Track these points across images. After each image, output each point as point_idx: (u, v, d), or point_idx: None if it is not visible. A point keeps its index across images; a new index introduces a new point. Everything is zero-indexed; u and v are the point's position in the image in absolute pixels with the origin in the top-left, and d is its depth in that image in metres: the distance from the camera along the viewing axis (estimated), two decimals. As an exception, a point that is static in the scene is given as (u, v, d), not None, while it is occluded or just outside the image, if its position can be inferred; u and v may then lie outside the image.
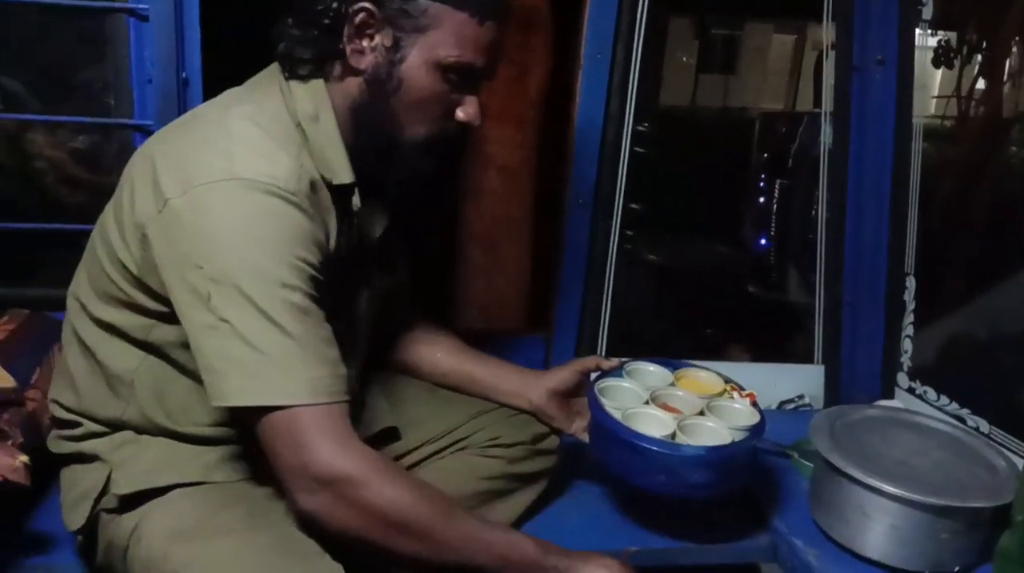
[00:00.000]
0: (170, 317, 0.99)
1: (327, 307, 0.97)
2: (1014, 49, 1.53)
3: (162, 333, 1.02)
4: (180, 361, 1.03)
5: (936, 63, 2.38)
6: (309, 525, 0.97)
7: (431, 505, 0.96)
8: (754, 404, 1.29)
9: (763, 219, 2.15)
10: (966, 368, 1.61)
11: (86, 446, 1.09)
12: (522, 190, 2.01)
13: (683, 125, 2.52)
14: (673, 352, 1.80)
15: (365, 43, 1.00)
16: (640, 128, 2.04)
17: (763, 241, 2.18)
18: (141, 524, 1.02)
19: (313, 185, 0.99)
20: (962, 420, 1.55)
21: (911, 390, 1.70)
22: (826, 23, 1.69)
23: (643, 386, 1.31)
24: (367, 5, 0.97)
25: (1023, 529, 0.97)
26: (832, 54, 1.68)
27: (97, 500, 1.06)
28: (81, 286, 1.08)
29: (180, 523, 1.00)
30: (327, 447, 0.91)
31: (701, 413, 1.26)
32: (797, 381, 1.82)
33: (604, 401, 1.25)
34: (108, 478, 1.06)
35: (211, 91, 1.45)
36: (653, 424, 1.22)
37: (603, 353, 1.77)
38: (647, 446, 1.17)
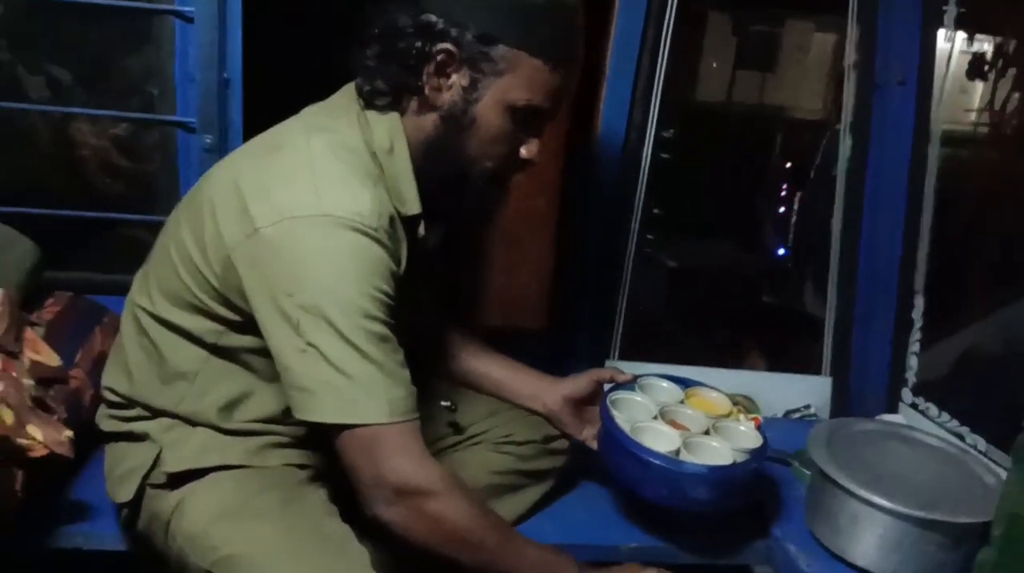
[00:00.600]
0: (242, 326, 1.07)
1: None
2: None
3: (232, 339, 1.10)
4: (249, 363, 1.12)
5: (970, 75, 2.40)
6: (382, 531, 1.05)
7: (492, 523, 1.07)
8: (759, 428, 1.35)
9: (782, 228, 2.19)
10: (967, 387, 1.64)
11: (137, 426, 1.17)
12: (547, 185, 2.05)
13: (708, 131, 2.54)
14: (685, 355, 1.86)
15: (443, 81, 1.05)
16: (664, 134, 2.08)
17: (781, 250, 2.22)
18: (185, 501, 1.10)
19: (391, 219, 1.06)
20: (961, 437, 1.59)
21: (914, 406, 1.74)
22: (849, 41, 1.72)
23: (654, 401, 1.36)
24: (449, 47, 1.02)
25: (1000, 543, 1.02)
26: (854, 72, 1.72)
27: (145, 476, 1.14)
28: (151, 287, 1.15)
29: (221, 503, 1.08)
30: (405, 461, 1.00)
31: (707, 432, 1.31)
32: (805, 391, 1.86)
33: (615, 413, 1.31)
34: (157, 457, 1.13)
35: (251, 91, 1.53)
36: (660, 439, 1.28)
37: (616, 354, 1.83)
38: (652, 460, 1.23)
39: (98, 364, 1.35)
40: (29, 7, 1.51)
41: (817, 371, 1.88)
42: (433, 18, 1.02)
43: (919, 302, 1.71)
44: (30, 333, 1.34)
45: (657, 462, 1.22)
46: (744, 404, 1.44)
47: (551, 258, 2.10)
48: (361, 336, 0.98)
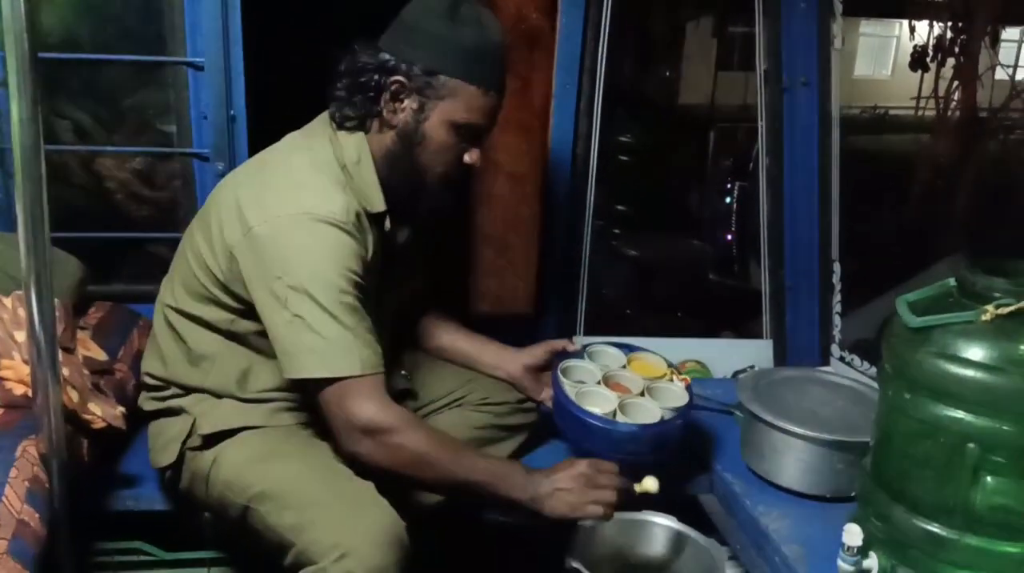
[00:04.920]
0: (247, 313, 1.32)
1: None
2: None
3: (242, 325, 1.35)
4: (255, 345, 1.36)
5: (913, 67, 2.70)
6: (354, 464, 1.27)
7: (443, 444, 1.28)
8: (688, 388, 1.53)
9: (726, 216, 2.47)
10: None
11: (173, 403, 1.42)
12: (529, 194, 2.19)
13: (661, 134, 2.82)
14: (645, 330, 2.11)
15: (398, 106, 1.31)
16: (622, 139, 2.36)
17: (728, 236, 2.50)
18: (220, 456, 1.34)
19: (358, 215, 1.31)
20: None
21: (842, 358, 2.00)
22: (758, 48, 1.99)
23: (599, 366, 1.57)
24: (401, 79, 1.29)
25: (874, 447, 1.28)
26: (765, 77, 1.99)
27: (184, 441, 1.38)
28: (175, 286, 1.41)
29: (250, 452, 1.33)
30: (371, 406, 1.22)
31: (642, 393, 1.51)
32: (749, 353, 2.11)
33: (563, 379, 1.52)
34: (192, 425, 1.38)
35: (254, 126, 1.80)
36: (600, 402, 1.47)
37: (581, 331, 2.09)
38: (591, 421, 1.43)
39: (137, 359, 1.62)
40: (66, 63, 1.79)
41: (759, 335, 2.13)
42: (387, 56, 1.29)
43: (837, 268, 1.97)
44: (81, 334, 1.62)
45: (596, 423, 1.43)
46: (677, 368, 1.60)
47: (535, 260, 2.23)
48: (337, 307, 1.22)
